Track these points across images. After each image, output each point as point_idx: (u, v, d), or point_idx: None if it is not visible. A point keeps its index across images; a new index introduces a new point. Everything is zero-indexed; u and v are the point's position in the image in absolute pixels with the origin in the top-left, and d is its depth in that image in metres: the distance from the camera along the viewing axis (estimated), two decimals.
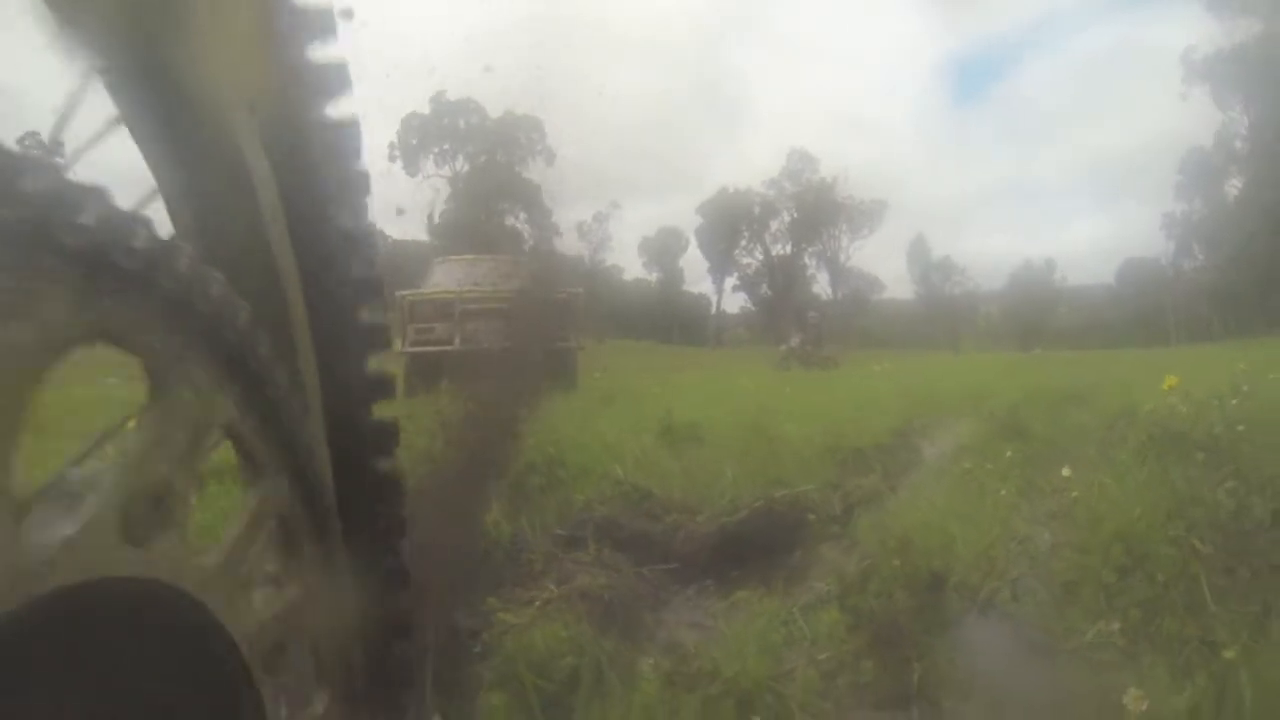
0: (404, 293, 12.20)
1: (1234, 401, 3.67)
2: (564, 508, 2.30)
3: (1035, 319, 47.34)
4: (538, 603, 1.46)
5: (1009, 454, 2.79)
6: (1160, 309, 43.10)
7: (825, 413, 4.91)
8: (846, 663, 1.29)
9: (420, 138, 47.09)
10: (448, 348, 10.66)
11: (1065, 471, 2.14)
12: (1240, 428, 3.20)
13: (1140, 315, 42.96)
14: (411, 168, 47.45)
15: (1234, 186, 42.05)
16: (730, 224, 51.11)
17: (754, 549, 2.04)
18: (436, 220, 45.14)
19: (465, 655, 1.25)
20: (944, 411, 4.91)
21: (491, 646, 1.27)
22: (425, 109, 46.56)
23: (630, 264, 52.31)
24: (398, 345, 11.00)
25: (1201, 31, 41.81)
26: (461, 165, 48.01)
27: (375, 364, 1.11)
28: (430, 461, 1.91)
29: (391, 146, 45.77)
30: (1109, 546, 1.57)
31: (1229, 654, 1.08)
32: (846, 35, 75.99)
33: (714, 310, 53.45)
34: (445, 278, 12.39)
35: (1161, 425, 3.31)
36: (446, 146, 47.66)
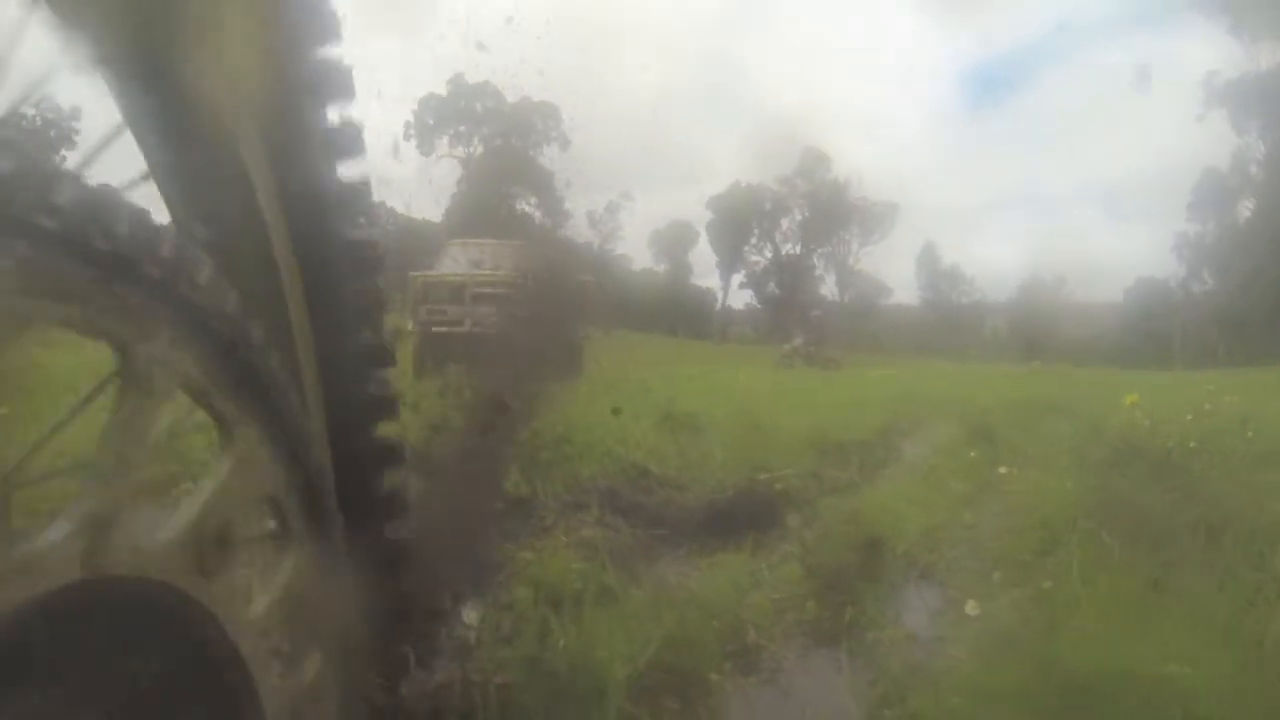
0: (416, 273, 12.52)
1: (1189, 418, 3.98)
2: (571, 479, 2.60)
3: (1041, 332, 47.32)
4: (550, 548, 1.77)
5: (972, 455, 3.09)
6: (1167, 330, 43.11)
7: (817, 410, 5.20)
8: (795, 602, 1.60)
9: (436, 118, 47.15)
10: (458, 329, 10.96)
11: (1002, 469, 2.44)
12: (1192, 444, 3.50)
13: (1148, 335, 43.02)
14: (426, 147, 47.54)
15: (1247, 210, 41.90)
16: (741, 219, 51.03)
17: (735, 521, 2.34)
18: (448, 201, 45.25)
19: (492, 576, 1.56)
20: (928, 415, 5.21)
21: (514, 573, 1.58)
22: (442, 91, 46.63)
23: (639, 255, 52.28)
24: (408, 324, 11.32)
25: (1223, 56, 41.49)
26: (476, 147, 48.11)
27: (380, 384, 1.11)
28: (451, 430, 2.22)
29: (407, 125, 45.90)
30: (1031, 533, 1.86)
31: (1046, 584, 1.37)
32: (865, 46, 75.79)
33: (719, 306, 53.56)
34: (457, 260, 12.68)
35: (1124, 438, 3.60)
36: (462, 128, 47.72)
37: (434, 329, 10.80)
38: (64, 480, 0.71)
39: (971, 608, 1.43)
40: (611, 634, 1.29)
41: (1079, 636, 1.20)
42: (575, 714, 1.12)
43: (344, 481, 1.03)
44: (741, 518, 2.37)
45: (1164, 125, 62.47)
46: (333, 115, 1.00)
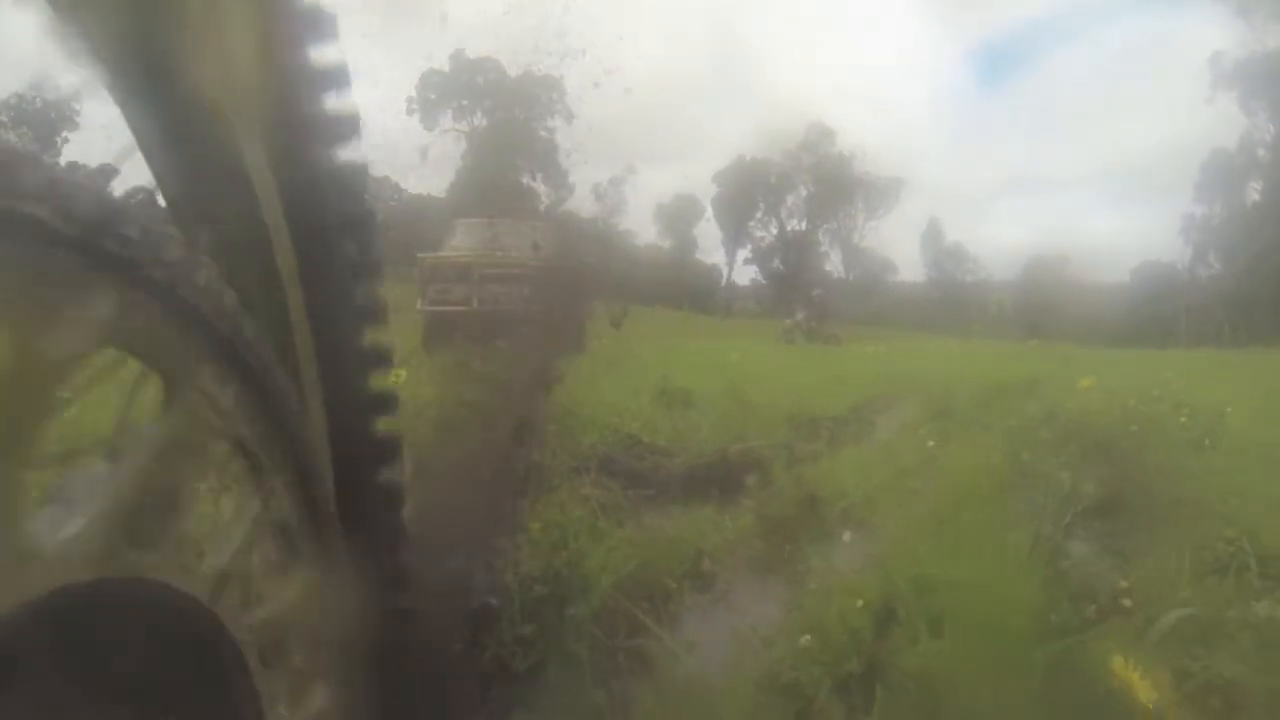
0: (424, 255, 13.01)
1: (1131, 403, 4.38)
2: (573, 447, 3.04)
3: (1045, 310, 47.17)
4: (555, 503, 2.21)
5: (922, 431, 3.52)
6: (1173, 312, 43.23)
7: (802, 387, 5.62)
8: (746, 542, 2.05)
9: (439, 93, 46.83)
10: (465, 307, 11.41)
11: (930, 443, 2.86)
12: (1133, 428, 3.89)
13: (1154, 316, 43.13)
14: (429, 122, 47.26)
15: (1254, 193, 41.59)
16: (747, 195, 50.86)
17: (709, 483, 2.79)
18: (452, 176, 45.17)
19: (510, 521, 2.01)
20: (904, 393, 5.61)
21: (526, 519, 2.03)
22: (445, 66, 46.27)
23: (644, 230, 52.24)
24: (417, 304, 11.78)
25: (1231, 37, 40.83)
26: (480, 120, 47.83)
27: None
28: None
29: (410, 100, 45.64)
30: (945, 496, 2.30)
31: (917, 522, 1.81)
32: (870, 21, 74.69)
33: (725, 281, 53.72)
34: (463, 240, 13.06)
35: (1074, 420, 4.00)
36: (465, 102, 47.38)
37: (441, 308, 11.23)
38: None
39: (847, 537, 1.87)
40: (599, 556, 1.75)
41: (923, 560, 1.63)
42: (571, 600, 1.59)
43: (341, 484, 1.05)
44: (715, 480, 2.81)
45: (1172, 106, 61.90)
46: (332, 107, 1.01)
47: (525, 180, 46.84)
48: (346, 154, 1.03)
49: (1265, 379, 8.44)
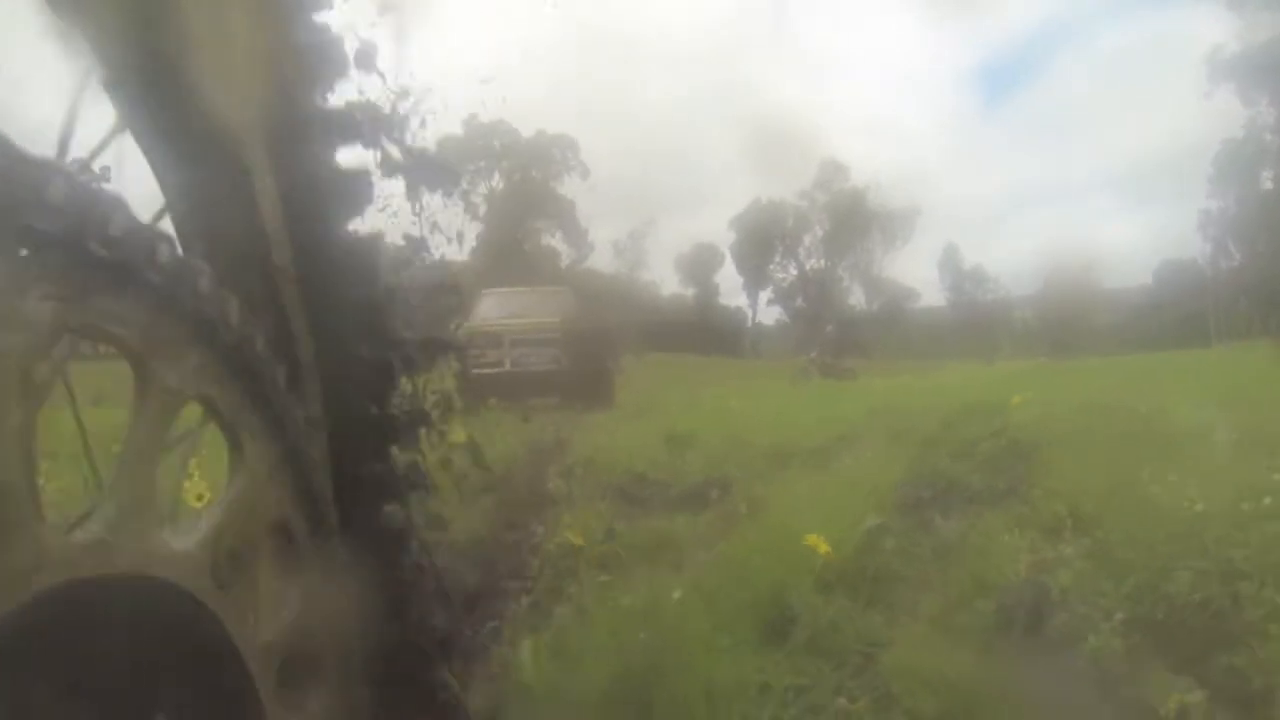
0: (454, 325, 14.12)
1: (1058, 412, 5.19)
2: (595, 482, 4.05)
3: (1070, 323, 46.73)
4: (581, 518, 3.21)
5: (876, 454, 4.41)
6: (1200, 309, 42.96)
7: (793, 424, 6.48)
8: (711, 533, 3.03)
9: (455, 157, 48.32)
10: (498, 370, 12.51)
11: (877, 463, 3.78)
12: (1055, 436, 4.66)
13: (1182, 316, 42.78)
14: (446, 186, 48.49)
15: (1267, 181, 41.38)
16: (764, 238, 51.65)
17: (692, 501, 3.75)
18: (472, 240, 46.39)
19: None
20: (885, 423, 6.42)
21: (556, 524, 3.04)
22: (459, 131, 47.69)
23: (668, 280, 53.51)
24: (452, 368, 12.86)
25: (1227, 30, 41.24)
26: (497, 182, 49.09)
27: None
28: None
29: None
30: (857, 495, 3.22)
31: (820, 508, 2.73)
32: (871, 50, 76.66)
33: (750, 323, 54.46)
34: (492, 309, 14.21)
35: (1010, 431, 4.78)
36: (482, 164, 48.81)
37: (475, 371, 12.30)
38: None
39: (743, 508, 2.82)
40: (603, 544, 2.77)
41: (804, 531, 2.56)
42: (581, 562, 2.59)
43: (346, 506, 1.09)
44: (697, 499, 3.78)
45: (1175, 104, 61.96)
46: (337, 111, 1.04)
47: (546, 240, 48.30)
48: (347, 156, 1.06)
49: (1243, 374, 9.00)
